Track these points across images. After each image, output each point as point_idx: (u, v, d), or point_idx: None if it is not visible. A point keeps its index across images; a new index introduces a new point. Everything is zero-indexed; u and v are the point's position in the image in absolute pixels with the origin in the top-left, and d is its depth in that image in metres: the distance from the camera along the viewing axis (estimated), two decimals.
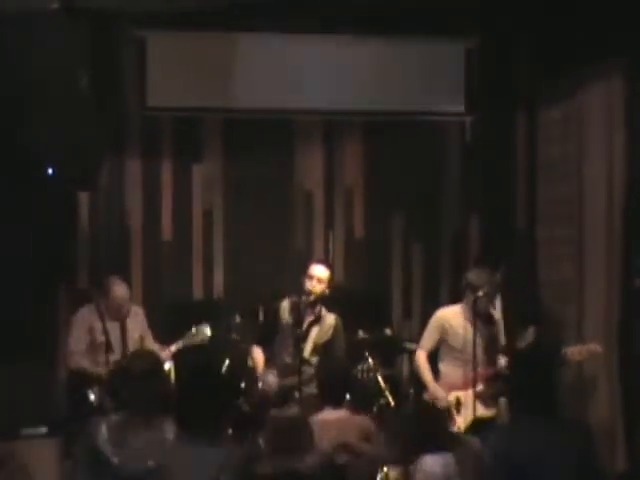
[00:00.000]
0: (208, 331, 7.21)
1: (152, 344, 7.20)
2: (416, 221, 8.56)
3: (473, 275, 6.87)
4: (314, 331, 6.87)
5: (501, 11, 7.91)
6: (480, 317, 6.74)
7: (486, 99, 8.45)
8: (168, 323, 8.09)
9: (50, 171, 7.77)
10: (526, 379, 4.41)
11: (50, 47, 7.08)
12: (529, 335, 7.31)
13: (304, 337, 6.80)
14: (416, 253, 8.60)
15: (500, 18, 8.04)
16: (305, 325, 6.84)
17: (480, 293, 6.68)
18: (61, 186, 7.90)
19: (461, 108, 8.53)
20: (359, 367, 6.84)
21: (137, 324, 7.24)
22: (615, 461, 7.18)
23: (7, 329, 7.08)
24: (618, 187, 7.30)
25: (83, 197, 8.18)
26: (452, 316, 6.87)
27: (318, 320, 6.90)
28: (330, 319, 6.92)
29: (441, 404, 6.63)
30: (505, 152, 8.56)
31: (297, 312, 6.82)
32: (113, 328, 7.02)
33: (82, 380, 6.87)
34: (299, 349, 6.69)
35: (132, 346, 7.06)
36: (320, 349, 6.82)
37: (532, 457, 4.26)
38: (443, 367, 6.88)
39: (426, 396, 6.77)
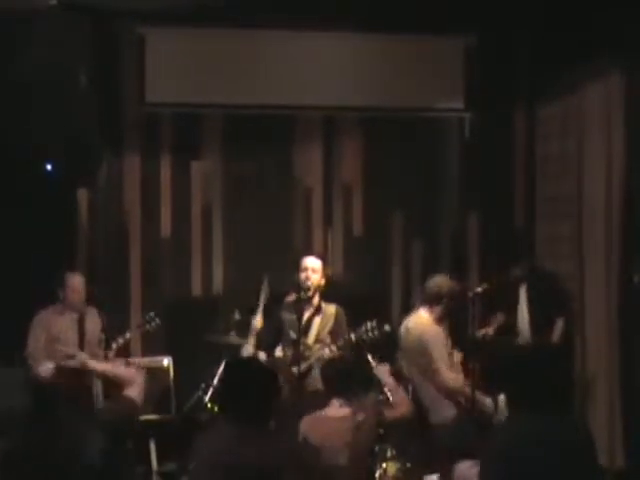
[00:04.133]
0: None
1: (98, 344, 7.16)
2: (415, 218, 8.56)
3: (433, 284, 6.84)
4: (316, 321, 6.89)
5: (501, 8, 7.90)
6: (447, 319, 6.79)
7: (485, 96, 8.45)
8: (167, 320, 8.10)
9: (49, 168, 7.79)
10: (526, 378, 4.40)
11: (49, 44, 7.09)
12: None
13: (306, 328, 6.82)
14: (415, 250, 8.60)
15: (500, 15, 8.03)
16: (306, 317, 6.86)
17: (478, 290, 6.73)
18: (60, 183, 7.90)
19: (460, 105, 8.53)
20: (363, 328, 6.82)
21: (94, 322, 7.20)
22: (614, 458, 7.19)
23: (5, 328, 7.09)
24: (617, 184, 7.30)
25: (82, 194, 8.17)
26: (437, 328, 6.81)
27: (319, 311, 6.92)
28: (331, 309, 6.94)
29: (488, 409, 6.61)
30: (504, 149, 8.56)
31: (297, 306, 6.83)
32: (72, 324, 7.11)
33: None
34: (299, 342, 6.72)
35: (89, 341, 7.10)
36: (325, 338, 6.82)
37: (532, 456, 4.25)
38: None
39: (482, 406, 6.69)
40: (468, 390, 6.53)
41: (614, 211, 7.32)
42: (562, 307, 7.56)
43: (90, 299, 7.22)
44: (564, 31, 7.60)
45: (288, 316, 6.93)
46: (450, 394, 6.63)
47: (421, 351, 6.71)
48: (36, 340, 7.06)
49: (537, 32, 8.06)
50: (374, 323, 6.71)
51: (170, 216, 8.33)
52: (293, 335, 6.79)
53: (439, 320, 6.82)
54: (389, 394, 6.30)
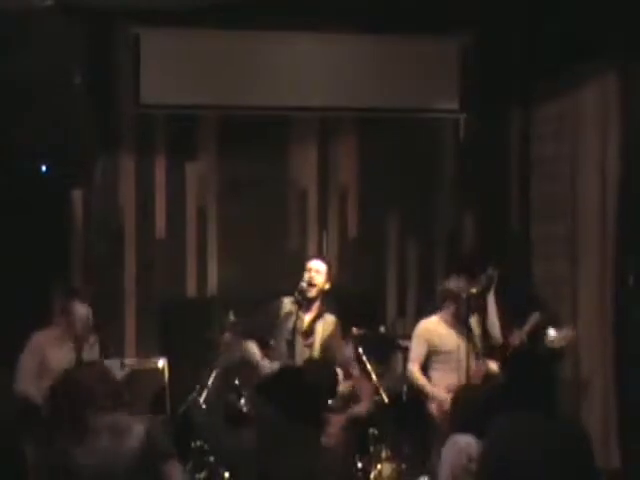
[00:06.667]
0: None
1: None
2: (410, 219, 8.55)
3: (453, 283, 6.92)
4: (318, 327, 6.85)
5: (496, 9, 7.91)
6: (462, 323, 6.83)
7: (480, 97, 8.45)
8: (162, 322, 8.09)
9: (44, 169, 7.77)
10: (522, 377, 4.40)
11: (43, 44, 7.07)
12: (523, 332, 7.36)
13: (309, 332, 6.79)
14: (410, 251, 8.59)
15: (495, 16, 8.04)
16: (308, 321, 6.83)
17: (467, 296, 6.77)
18: (55, 184, 7.88)
19: (455, 106, 8.53)
20: None
21: (94, 352, 6.97)
22: (609, 459, 7.19)
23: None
24: (612, 185, 7.31)
25: (77, 195, 8.16)
26: (435, 326, 6.95)
27: (321, 316, 6.89)
28: (331, 317, 6.92)
29: (446, 406, 6.65)
30: (499, 150, 8.56)
31: (299, 307, 6.81)
32: (68, 353, 6.74)
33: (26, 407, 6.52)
34: (296, 341, 6.72)
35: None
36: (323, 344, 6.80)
37: (527, 456, 4.25)
38: (435, 374, 6.91)
39: (430, 403, 6.78)
40: (424, 388, 6.81)
41: (608, 212, 7.33)
42: (538, 304, 7.54)
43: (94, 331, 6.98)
44: (559, 32, 7.60)
45: (286, 316, 6.89)
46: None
47: None
48: (28, 365, 6.64)
49: (532, 33, 8.06)
50: None
51: (165, 217, 8.32)
52: (289, 336, 6.78)
53: (447, 319, 6.90)
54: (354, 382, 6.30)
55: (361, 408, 5.96)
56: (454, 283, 6.92)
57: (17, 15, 6.96)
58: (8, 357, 6.77)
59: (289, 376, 4.34)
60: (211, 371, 7.18)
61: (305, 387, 4.25)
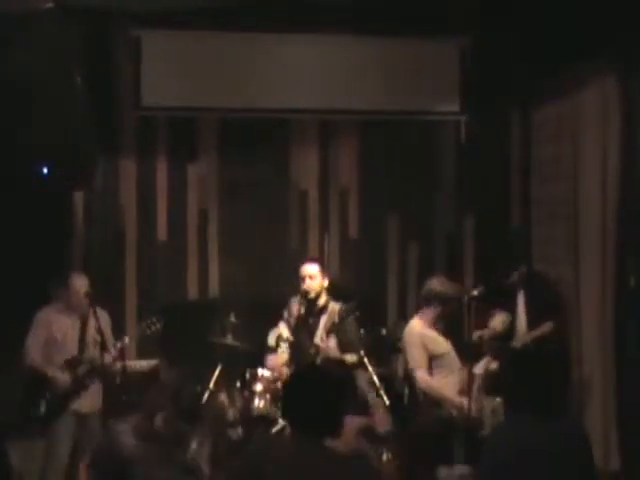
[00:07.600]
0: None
1: (110, 343, 6.98)
2: (411, 220, 8.56)
3: (439, 285, 6.88)
4: (323, 319, 6.91)
5: (496, 11, 7.92)
6: (444, 323, 6.86)
7: (481, 99, 8.46)
8: (163, 323, 8.09)
9: (45, 170, 7.78)
10: (526, 379, 4.40)
11: (45, 46, 7.08)
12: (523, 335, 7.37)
13: (313, 329, 6.85)
14: (411, 253, 8.60)
15: (495, 18, 8.04)
16: (312, 319, 6.89)
17: (474, 293, 6.76)
18: (56, 186, 7.89)
19: (456, 108, 8.54)
20: None
21: (94, 323, 6.94)
22: (609, 460, 7.19)
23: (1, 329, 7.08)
24: (612, 187, 7.30)
25: (78, 197, 8.17)
26: (423, 330, 6.88)
27: (324, 310, 6.93)
28: (335, 307, 6.95)
29: (477, 410, 6.59)
30: (500, 152, 8.57)
31: (298, 310, 6.87)
32: (73, 324, 6.94)
33: (36, 378, 6.79)
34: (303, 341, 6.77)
35: (90, 343, 6.93)
36: (331, 334, 6.84)
37: (530, 456, 4.26)
38: (435, 379, 6.87)
39: (451, 408, 6.72)
40: (441, 393, 6.68)
41: (609, 213, 7.32)
42: (555, 311, 7.56)
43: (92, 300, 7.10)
44: (559, 33, 7.60)
45: (289, 319, 6.97)
46: (426, 394, 6.73)
47: (404, 351, 6.93)
48: (36, 339, 6.86)
49: (532, 34, 8.06)
50: None
51: (166, 219, 8.34)
52: (290, 338, 6.84)
53: (431, 322, 6.84)
54: (370, 404, 6.32)
55: (379, 426, 6.02)
56: (439, 284, 6.87)
57: (19, 17, 6.97)
58: (9, 357, 6.88)
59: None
60: (213, 373, 7.20)
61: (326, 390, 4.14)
